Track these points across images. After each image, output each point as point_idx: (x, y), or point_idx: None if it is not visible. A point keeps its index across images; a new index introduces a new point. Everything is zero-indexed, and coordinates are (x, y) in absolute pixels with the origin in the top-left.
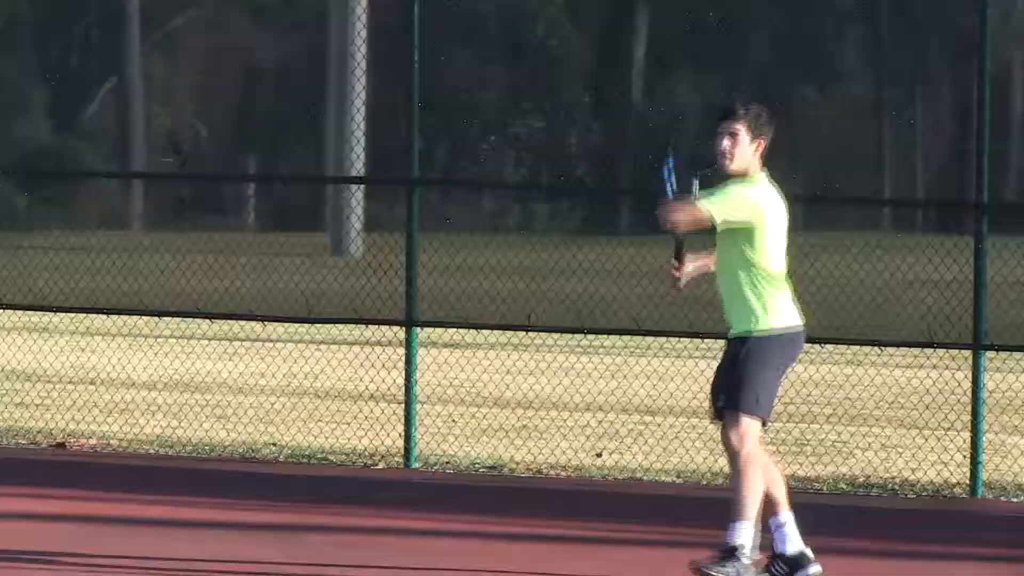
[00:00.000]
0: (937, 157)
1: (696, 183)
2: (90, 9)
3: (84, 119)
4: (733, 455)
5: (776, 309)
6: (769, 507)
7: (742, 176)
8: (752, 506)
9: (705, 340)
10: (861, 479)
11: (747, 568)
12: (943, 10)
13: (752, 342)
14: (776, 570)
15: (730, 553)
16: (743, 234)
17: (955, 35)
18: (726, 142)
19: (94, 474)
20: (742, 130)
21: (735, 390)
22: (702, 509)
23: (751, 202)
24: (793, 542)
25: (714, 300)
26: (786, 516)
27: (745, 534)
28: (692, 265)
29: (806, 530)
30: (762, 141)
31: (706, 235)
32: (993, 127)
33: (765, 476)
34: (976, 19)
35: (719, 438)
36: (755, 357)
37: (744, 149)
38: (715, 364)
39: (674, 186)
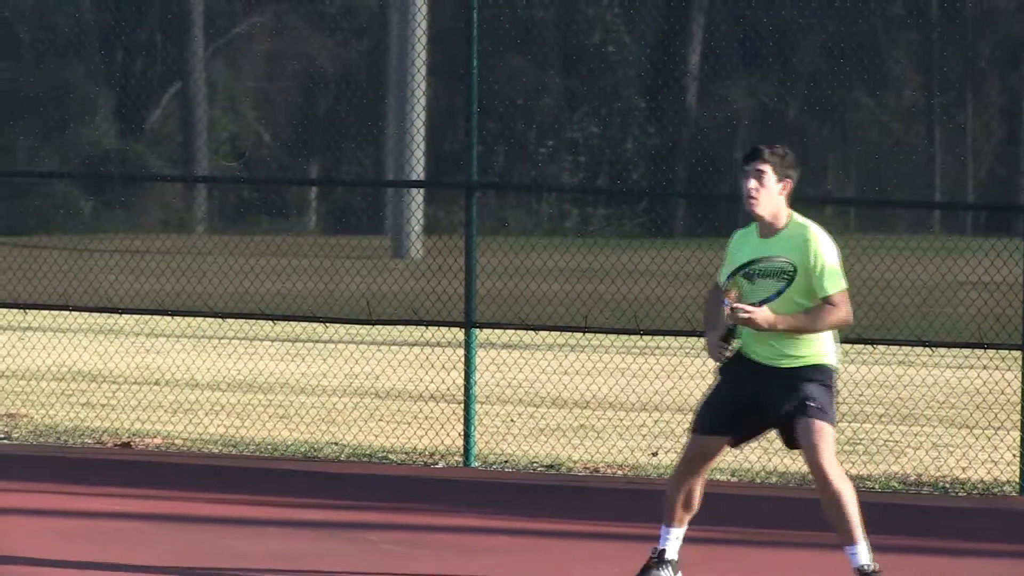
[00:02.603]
0: (986, 161)
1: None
2: (154, 15)
3: (148, 124)
4: (823, 473)
5: (832, 344)
6: (674, 516)
7: (775, 220)
8: (858, 523)
9: None
10: (913, 478)
11: None
12: (993, 16)
13: (821, 371)
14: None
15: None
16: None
17: (1005, 41)
18: (752, 183)
19: (159, 473)
20: (768, 171)
21: (815, 401)
22: (755, 507)
23: (837, 254)
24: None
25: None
26: (680, 532)
27: (865, 553)
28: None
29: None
30: (788, 183)
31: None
32: None
33: (695, 488)
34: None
35: (770, 436)
36: (827, 379)
37: (771, 190)
38: None
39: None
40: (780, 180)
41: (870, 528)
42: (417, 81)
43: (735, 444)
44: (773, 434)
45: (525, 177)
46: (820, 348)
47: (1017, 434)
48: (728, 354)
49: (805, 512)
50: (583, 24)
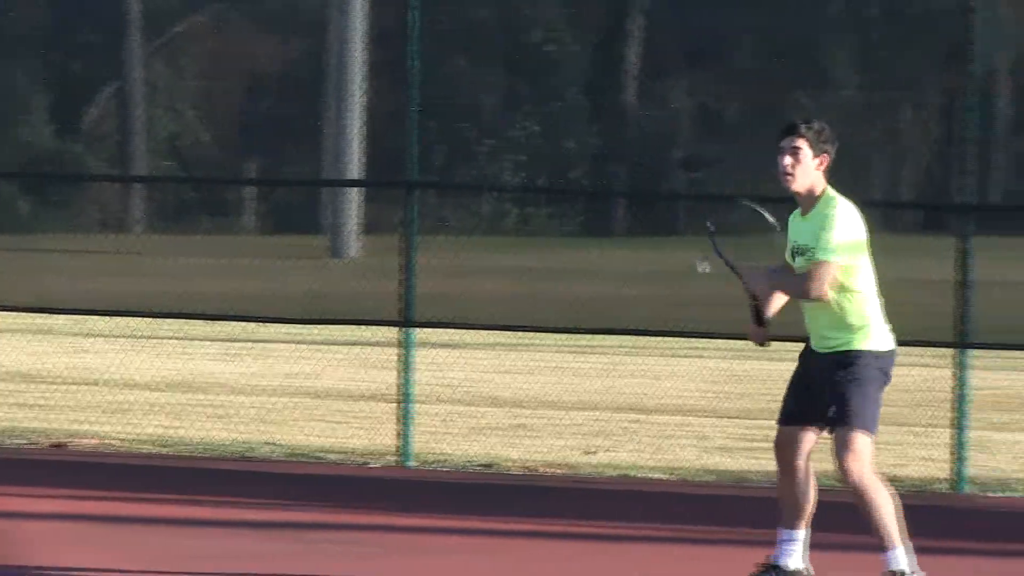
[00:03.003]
0: (924, 160)
1: (712, 232)
2: (92, 16)
3: (85, 124)
4: (851, 483)
5: (876, 328)
6: (791, 519)
7: (813, 196)
8: (894, 529)
9: (696, 340)
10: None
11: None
12: (931, 18)
13: (854, 357)
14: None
15: None
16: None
17: (943, 42)
18: (788, 159)
19: (94, 474)
20: (804, 146)
21: (847, 405)
22: (692, 506)
23: (856, 225)
24: (796, 559)
25: (702, 300)
26: (801, 534)
27: (901, 558)
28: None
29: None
30: (825, 157)
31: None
32: (979, 129)
33: (805, 489)
34: (963, 26)
35: (706, 434)
36: (861, 372)
37: (807, 166)
38: (706, 363)
39: (725, 256)
40: (817, 155)
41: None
42: (357, 80)
43: (823, 428)
44: (707, 431)
45: (465, 176)
46: (856, 333)
47: (952, 432)
48: (765, 337)
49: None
50: (524, 23)
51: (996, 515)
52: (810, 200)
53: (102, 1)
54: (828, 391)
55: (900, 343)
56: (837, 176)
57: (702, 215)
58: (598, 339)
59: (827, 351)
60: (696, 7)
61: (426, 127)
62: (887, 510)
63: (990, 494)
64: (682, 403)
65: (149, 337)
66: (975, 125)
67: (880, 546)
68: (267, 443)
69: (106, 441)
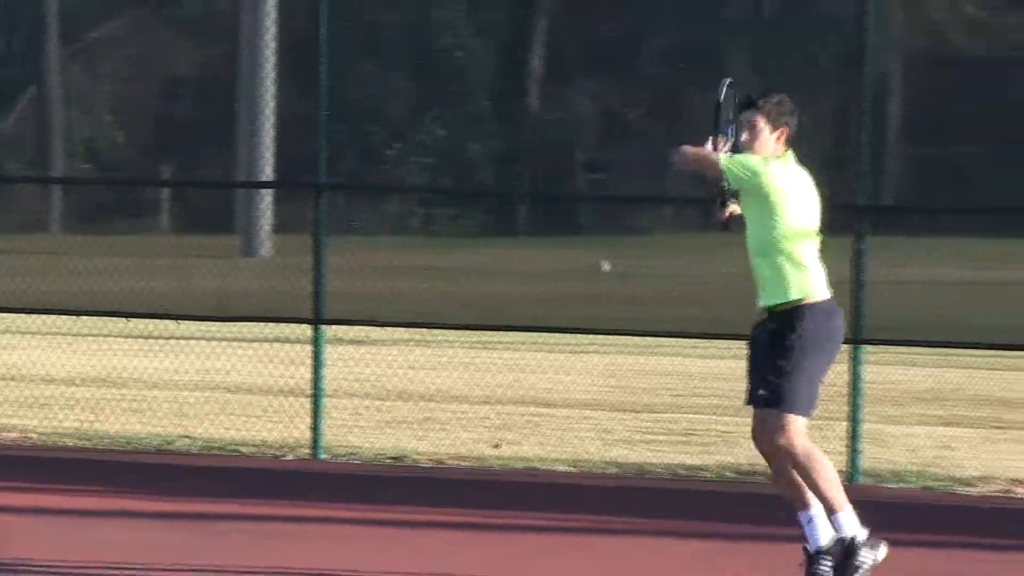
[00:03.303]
0: (820, 161)
1: (724, 90)
2: (9, 21)
3: (4, 127)
4: (788, 456)
5: (815, 278)
6: (800, 500)
7: None
8: (838, 494)
9: (598, 336)
10: (746, 467)
11: (875, 544)
12: (826, 23)
13: (794, 313)
14: (822, 568)
15: (851, 548)
16: (766, 206)
17: (838, 47)
18: (745, 135)
19: (14, 466)
20: (761, 120)
21: (778, 384)
22: (595, 496)
23: (765, 168)
24: (826, 531)
25: (604, 298)
26: (817, 508)
27: (849, 522)
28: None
29: (693, 515)
30: (785, 129)
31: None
32: (872, 133)
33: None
34: (858, 32)
35: (609, 428)
36: (800, 338)
37: (765, 139)
38: (609, 359)
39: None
40: (775, 129)
41: (705, 515)
42: (267, 85)
43: None
44: (610, 424)
45: (373, 178)
46: (791, 285)
47: (846, 424)
48: (728, 214)
49: (644, 501)
50: (431, 29)
51: (889, 505)
52: None
53: (20, 7)
54: (759, 370)
55: None
56: None
57: (604, 215)
58: (503, 335)
59: (771, 307)
60: (598, 14)
61: (335, 131)
62: (830, 476)
63: (884, 485)
64: (585, 397)
65: (67, 334)
66: (868, 129)
67: (828, 514)
68: (183, 436)
69: (26, 434)
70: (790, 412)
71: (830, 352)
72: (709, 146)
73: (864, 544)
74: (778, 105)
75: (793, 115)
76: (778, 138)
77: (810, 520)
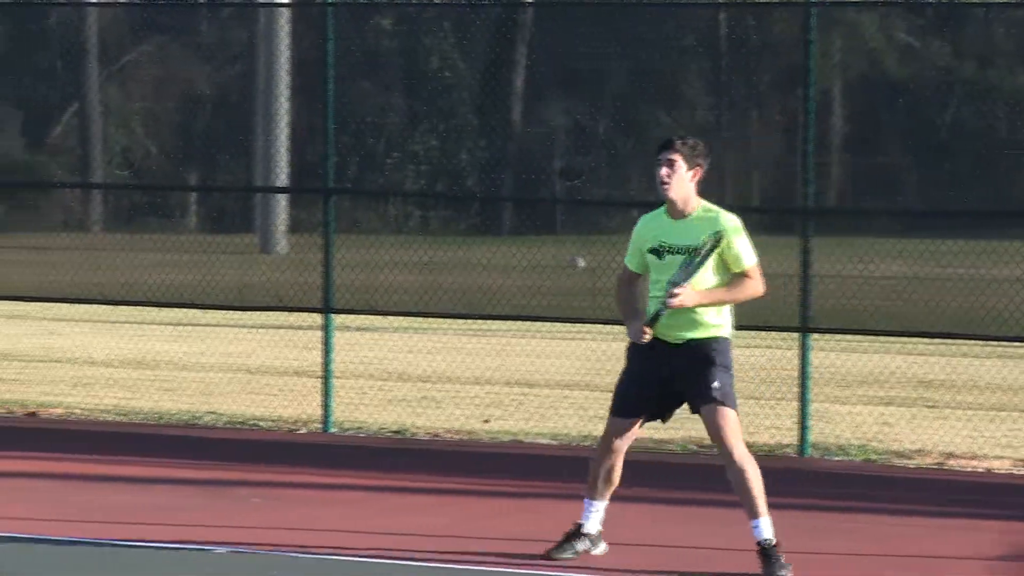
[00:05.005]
0: (769, 170)
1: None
2: (54, 45)
3: (50, 139)
4: (729, 453)
5: (728, 320)
6: (602, 492)
7: (685, 204)
8: (761, 500)
9: (574, 324)
10: (707, 441)
11: (780, 548)
12: (773, 47)
13: (721, 343)
14: (581, 544)
15: (771, 552)
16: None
17: (783, 67)
18: (664, 170)
19: (61, 439)
20: (679, 159)
21: (723, 387)
22: (573, 466)
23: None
24: (596, 523)
25: (578, 290)
26: (604, 504)
27: (766, 527)
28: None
29: (661, 486)
30: (699, 170)
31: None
32: (816, 144)
33: (618, 471)
34: (802, 54)
35: (585, 405)
36: (727, 358)
37: (681, 176)
38: (585, 344)
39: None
40: (690, 168)
41: (672, 484)
42: (281, 101)
43: (652, 419)
44: (586, 402)
45: (374, 184)
46: (720, 321)
47: (796, 403)
48: (647, 337)
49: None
50: (423, 53)
51: (834, 475)
52: (684, 208)
53: (64, 34)
54: (700, 376)
55: (751, 328)
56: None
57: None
58: (491, 323)
59: (693, 341)
60: (572, 39)
61: (341, 141)
62: (755, 480)
63: (830, 458)
64: (564, 378)
65: (107, 321)
66: (813, 141)
67: (747, 515)
68: (209, 412)
69: (71, 410)
70: None
71: None
72: (690, 289)
73: (778, 547)
74: (693, 147)
75: (707, 158)
76: (692, 177)
77: (597, 510)
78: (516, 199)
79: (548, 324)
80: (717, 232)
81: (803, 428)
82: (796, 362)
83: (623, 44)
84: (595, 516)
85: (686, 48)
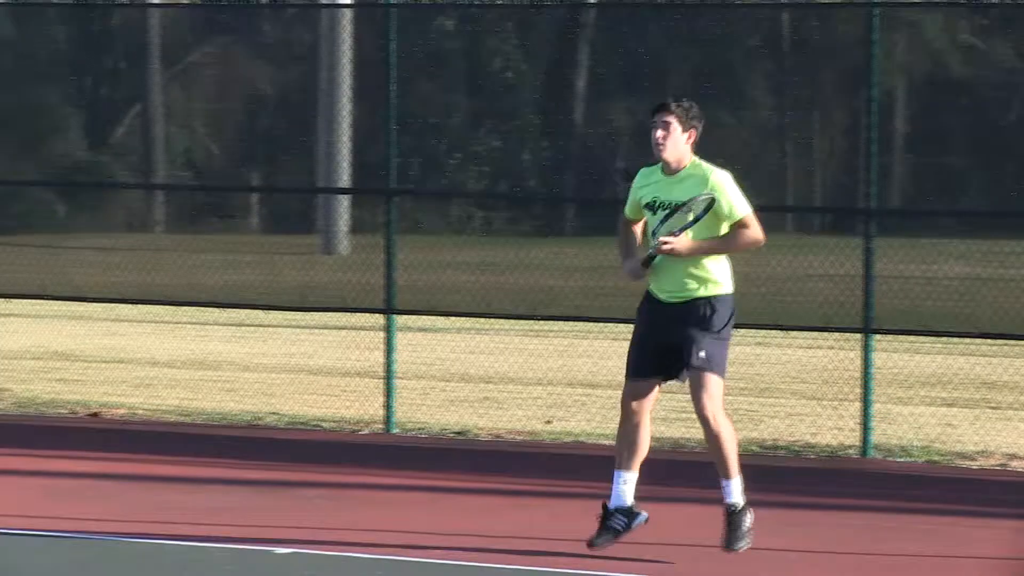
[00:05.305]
0: (832, 170)
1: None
2: (117, 46)
3: (113, 139)
4: (706, 418)
5: (727, 272)
6: (629, 461)
7: (679, 164)
8: (734, 461)
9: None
10: (769, 442)
11: (748, 508)
12: (837, 47)
13: (719, 302)
14: (617, 523)
15: (735, 519)
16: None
17: (845, 68)
18: (660, 132)
19: (123, 439)
20: (674, 121)
21: (708, 352)
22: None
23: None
24: (630, 496)
25: (639, 290)
26: (634, 476)
27: (737, 488)
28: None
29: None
30: (693, 132)
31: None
32: (879, 145)
33: (645, 436)
34: (865, 55)
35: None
36: (723, 319)
37: (676, 138)
38: None
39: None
40: (685, 130)
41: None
42: (343, 102)
43: (668, 379)
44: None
45: (436, 184)
46: (718, 278)
47: (859, 405)
48: (647, 273)
49: (678, 472)
50: (485, 53)
51: (897, 477)
52: (678, 168)
53: (127, 35)
54: (690, 339)
55: (814, 329)
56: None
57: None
58: (553, 324)
59: (683, 300)
60: (635, 39)
61: (403, 142)
62: (729, 442)
63: (893, 459)
64: None
65: (169, 322)
66: (876, 141)
67: (720, 474)
68: (271, 413)
69: (134, 411)
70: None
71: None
72: (684, 237)
73: (745, 508)
74: (688, 109)
75: (700, 120)
76: (688, 139)
77: (627, 481)
78: (578, 200)
79: (610, 325)
80: (709, 194)
81: (865, 429)
82: (859, 363)
83: (686, 44)
84: (624, 489)
85: (749, 48)
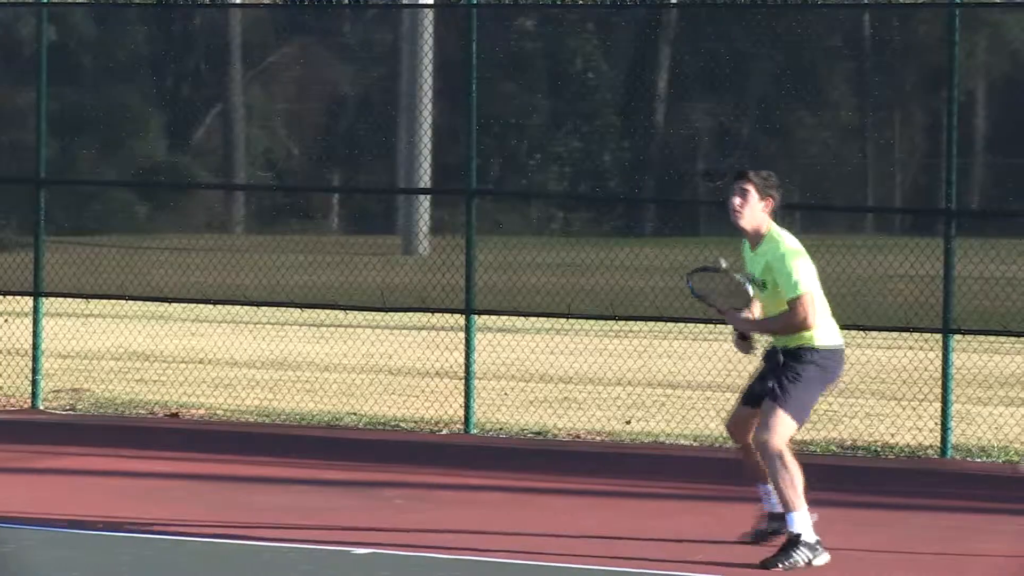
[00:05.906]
0: (912, 171)
1: (690, 284)
2: (198, 46)
3: (194, 140)
4: (763, 449)
5: (822, 329)
6: (761, 474)
7: (759, 234)
8: (799, 496)
9: (717, 325)
10: (849, 442)
11: (815, 549)
12: (918, 48)
13: (806, 353)
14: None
15: (793, 542)
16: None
17: (926, 69)
18: (737, 200)
19: (202, 439)
20: (752, 190)
21: (782, 386)
22: (715, 468)
23: (805, 258)
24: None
25: (720, 292)
26: (767, 487)
27: (801, 522)
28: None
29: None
30: (771, 201)
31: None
32: (959, 145)
33: (744, 451)
34: (946, 55)
35: (728, 407)
36: (807, 366)
37: (753, 206)
38: (727, 346)
39: (698, 293)
40: (763, 199)
41: (813, 484)
42: (424, 103)
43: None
44: (728, 404)
45: (517, 185)
46: (806, 334)
47: (938, 405)
48: (751, 348)
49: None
50: (566, 54)
51: (976, 477)
52: (756, 237)
53: (208, 35)
54: (770, 377)
55: (894, 329)
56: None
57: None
58: (632, 324)
59: (785, 347)
60: (716, 40)
61: (483, 143)
62: (787, 479)
63: (971, 459)
64: (706, 380)
65: (248, 322)
66: (956, 142)
67: (784, 510)
68: (350, 413)
69: (213, 411)
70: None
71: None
72: (751, 311)
73: (806, 544)
74: (766, 179)
75: (779, 190)
76: (764, 207)
77: (769, 490)
78: (659, 200)
79: (690, 325)
80: (746, 280)
81: (945, 430)
82: (938, 363)
83: (767, 45)
84: (766, 497)
85: (830, 49)
